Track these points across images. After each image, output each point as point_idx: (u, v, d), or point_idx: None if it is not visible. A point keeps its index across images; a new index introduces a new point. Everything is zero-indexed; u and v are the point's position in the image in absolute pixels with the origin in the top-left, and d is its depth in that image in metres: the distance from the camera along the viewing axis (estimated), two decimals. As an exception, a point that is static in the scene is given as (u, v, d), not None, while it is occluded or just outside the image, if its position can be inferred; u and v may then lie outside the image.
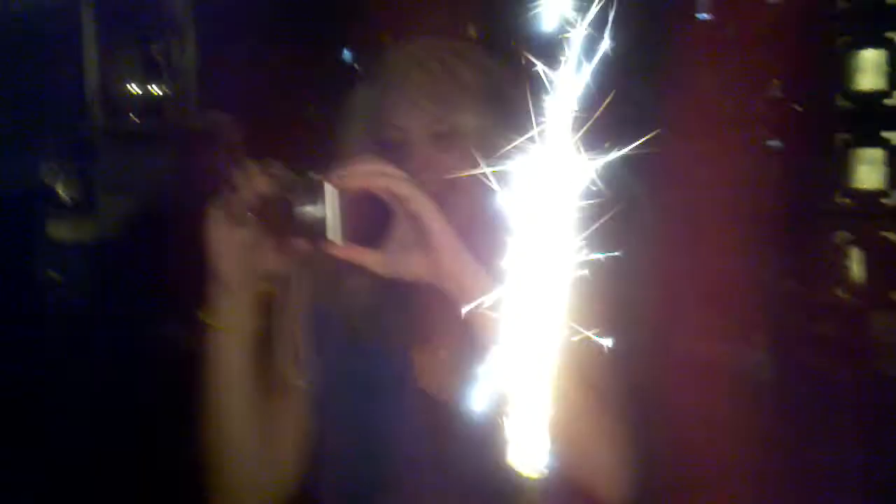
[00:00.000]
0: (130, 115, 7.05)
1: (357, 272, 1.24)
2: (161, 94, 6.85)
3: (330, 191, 1.14)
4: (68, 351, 4.12)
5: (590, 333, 1.09)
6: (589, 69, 0.75)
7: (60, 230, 6.45)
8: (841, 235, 3.90)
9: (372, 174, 1.13)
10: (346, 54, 6.23)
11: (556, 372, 1.16)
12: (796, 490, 2.46)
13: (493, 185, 0.70)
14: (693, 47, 4.50)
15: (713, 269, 3.94)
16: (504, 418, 0.78)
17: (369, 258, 1.12)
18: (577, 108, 0.79)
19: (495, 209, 0.69)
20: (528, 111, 0.70)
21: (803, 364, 2.22)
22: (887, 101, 3.95)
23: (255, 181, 1.14)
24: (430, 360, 1.33)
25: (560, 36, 0.76)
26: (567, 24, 0.74)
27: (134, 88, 7.07)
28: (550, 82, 0.75)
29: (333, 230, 1.15)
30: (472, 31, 5.62)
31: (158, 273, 3.30)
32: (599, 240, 1.41)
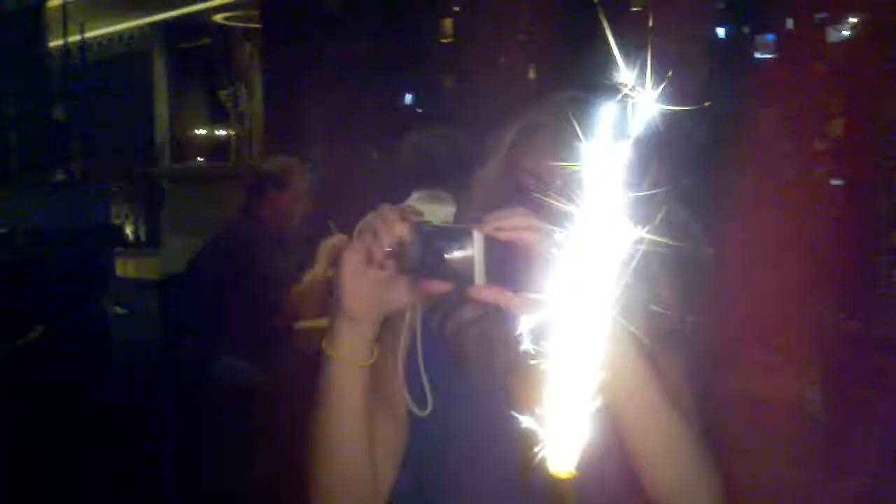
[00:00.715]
0: (198, 157, 7.30)
1: (467, 304, 1.30)
2: (227, 136, 7.10)
3: (478, 237, 1.21)
4: (135, 380, 4.24)
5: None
6: (656, 109, 0.79)
7: (128, 268, 6.65)
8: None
9: (525, 227, 1.20)
10: (409, 98, 6.38)
11: (645, 385, 1.21)
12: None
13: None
14: (756, 87, 4.50)
15: (774, 306, 3.90)
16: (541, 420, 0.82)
17: (513, 302, 1.19)
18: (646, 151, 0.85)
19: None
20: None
21: (858, 399, 2.20)
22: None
23: (395, 228, 1.22)
24: (522, 384, 1.40)
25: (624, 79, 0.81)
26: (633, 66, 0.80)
27: (202, 132, 7.33)
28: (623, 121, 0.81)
29: (479, 275, 1.22)
30: (531, 74, 5.69)
31: (221, 310, 3.39)
32: (663, 277, 1.44)
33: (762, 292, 4.02)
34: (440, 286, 1.21)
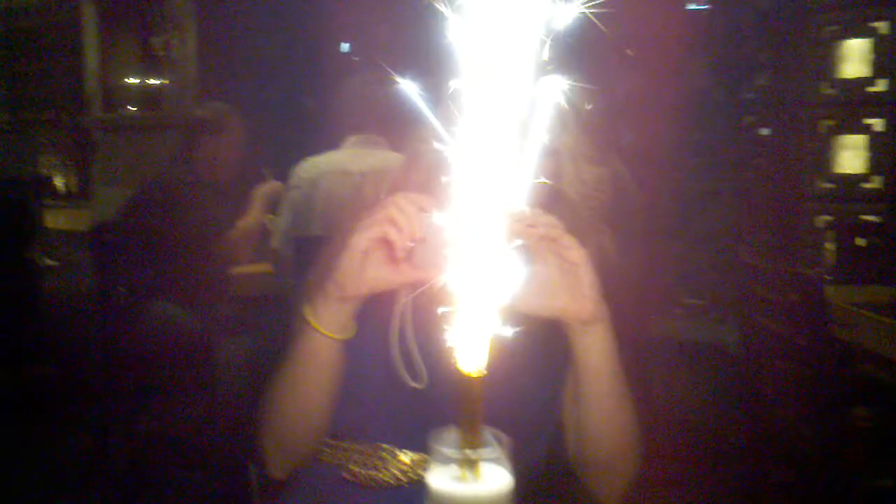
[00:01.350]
0: (129, 106, 7.13)
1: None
2: (160, 85, 6.94)
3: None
4: (66, 330, 4.19)
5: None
6: (580, 57, 0.83)
7: (58, 220, 6.52)
8: (822, 219, 3.99)
9: (541, 226, 1.22)
10: (344, 46, 6.31)
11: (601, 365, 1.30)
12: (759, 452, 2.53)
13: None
14: (684, 37, 4.57)
15: (701, 252, 4.02)
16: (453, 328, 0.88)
17: (523, 300, 1.22)
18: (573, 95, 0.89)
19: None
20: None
21: (768, 331, 2.30)
22: (870, 89, 4.02)
23: (417, 224, 1.22)
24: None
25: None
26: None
27: (133, 80, 7.15)
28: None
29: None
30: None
31: (155, 256, 3.36)
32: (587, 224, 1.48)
33: (692, 240, 4.14)
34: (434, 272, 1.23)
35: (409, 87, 0.88)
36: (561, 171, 1.38)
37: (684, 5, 4.93)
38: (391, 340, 1.36)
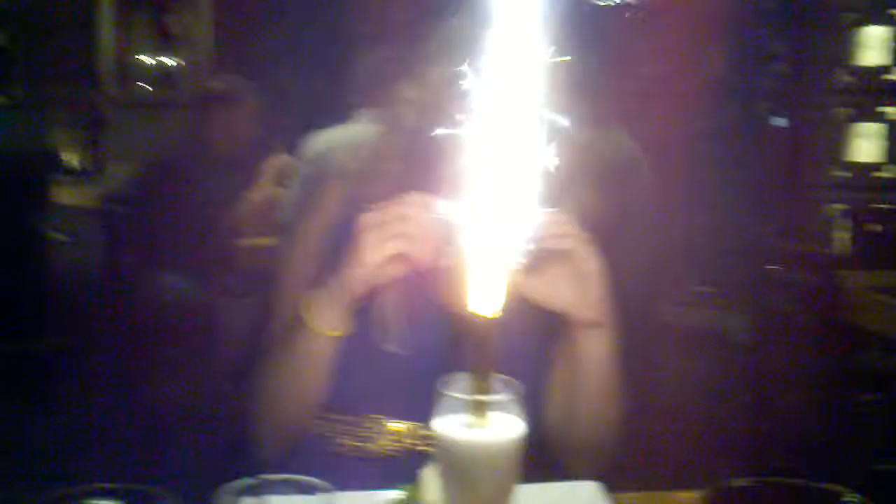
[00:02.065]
0: (143, 84, 7.13)
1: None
2: (175, 63, 6.93)
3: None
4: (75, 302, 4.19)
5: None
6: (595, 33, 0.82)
7: (70, 195, 6.52)
8: (835, 207, 3.95)
9: (562, 237, 1.24)
10: (358, 24, 6.27)
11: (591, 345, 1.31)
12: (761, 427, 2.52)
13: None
14: (700, 22, 4.53)
15: (699, 234, 3.99)
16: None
17: (527, 286, 1.22)
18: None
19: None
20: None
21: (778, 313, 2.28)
22: (888, 77, 3.98)
23: (436, 239, 1.22)
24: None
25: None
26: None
27: (147, 58, 7.14)
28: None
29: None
30: None
31: (164, 227, 3.37)
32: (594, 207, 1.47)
33: (701, 227, 4.11)
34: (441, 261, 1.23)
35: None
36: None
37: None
38: (375, 309, 1.36)
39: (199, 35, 6.62)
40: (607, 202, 1.47)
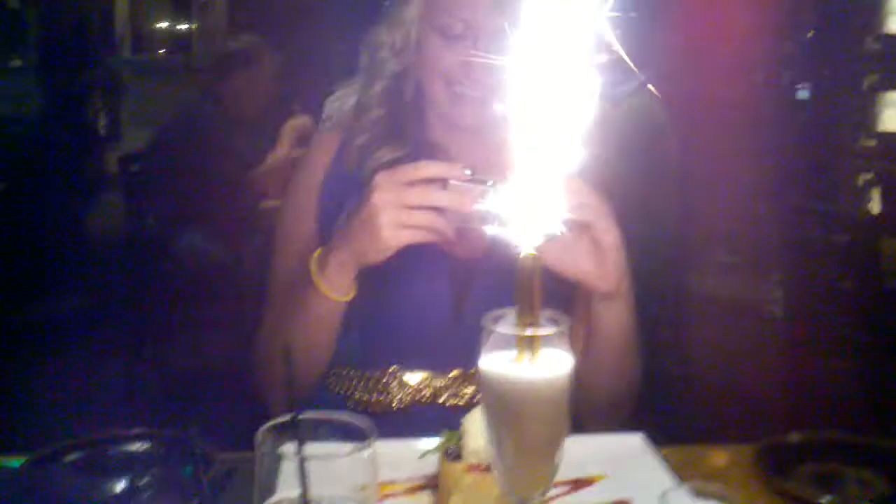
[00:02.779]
0: (159, 50, 7.11)
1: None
2: (190, 28, 6.90)
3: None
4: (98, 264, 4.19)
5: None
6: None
7: (88, 159, 6.51)
8: (864, 177, 3.89)
9: (583, 208, 1.23)
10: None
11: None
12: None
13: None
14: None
15: (735, 207, 3.93)
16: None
17: (550, 254, 1.21)
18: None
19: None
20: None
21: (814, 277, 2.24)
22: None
23: (465, 203, 1.20)
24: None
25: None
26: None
27: (163, 24, 7.12)
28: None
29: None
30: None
31: (185, 189, 3.34)
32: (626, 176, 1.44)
33: (728, 193, 4.05)
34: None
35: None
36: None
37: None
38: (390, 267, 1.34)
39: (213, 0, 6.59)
40: (633, 168, 1.45)
